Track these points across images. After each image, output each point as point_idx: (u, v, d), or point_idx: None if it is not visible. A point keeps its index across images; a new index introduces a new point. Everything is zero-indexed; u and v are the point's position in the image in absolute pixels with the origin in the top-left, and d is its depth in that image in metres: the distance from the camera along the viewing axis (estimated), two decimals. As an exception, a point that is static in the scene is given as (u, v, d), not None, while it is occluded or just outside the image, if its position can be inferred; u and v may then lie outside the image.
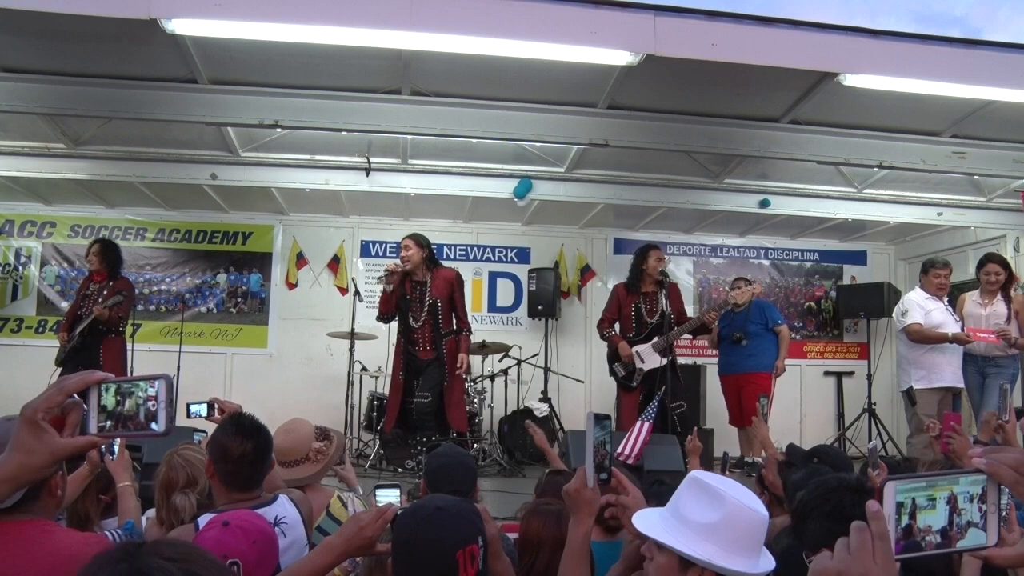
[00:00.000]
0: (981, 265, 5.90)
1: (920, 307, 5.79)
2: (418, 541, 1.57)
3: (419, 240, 5.45)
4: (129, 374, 5.73)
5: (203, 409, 2.76)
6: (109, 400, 1.14)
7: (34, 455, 1.09)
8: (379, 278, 5.74)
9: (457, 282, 5.52)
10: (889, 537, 0.87)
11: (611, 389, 7.04)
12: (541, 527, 2.18)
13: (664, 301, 5.71)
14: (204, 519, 2.05)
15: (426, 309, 5.39)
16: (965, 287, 6.69)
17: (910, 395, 5.70)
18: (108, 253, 6.10)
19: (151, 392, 1.13)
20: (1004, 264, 5.86)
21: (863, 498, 0.90)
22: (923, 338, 5.73)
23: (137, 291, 7.98)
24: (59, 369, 5.90)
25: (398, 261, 5.45)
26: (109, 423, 1.15)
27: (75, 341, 5.82)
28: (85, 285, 6.17)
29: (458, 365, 5.47)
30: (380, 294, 5.65)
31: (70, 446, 1.12)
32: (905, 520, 0.90)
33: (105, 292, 5.95)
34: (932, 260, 6.02)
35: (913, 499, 0.91)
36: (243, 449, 2.10)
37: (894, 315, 6.02)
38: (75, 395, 1.13)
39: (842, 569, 0.87)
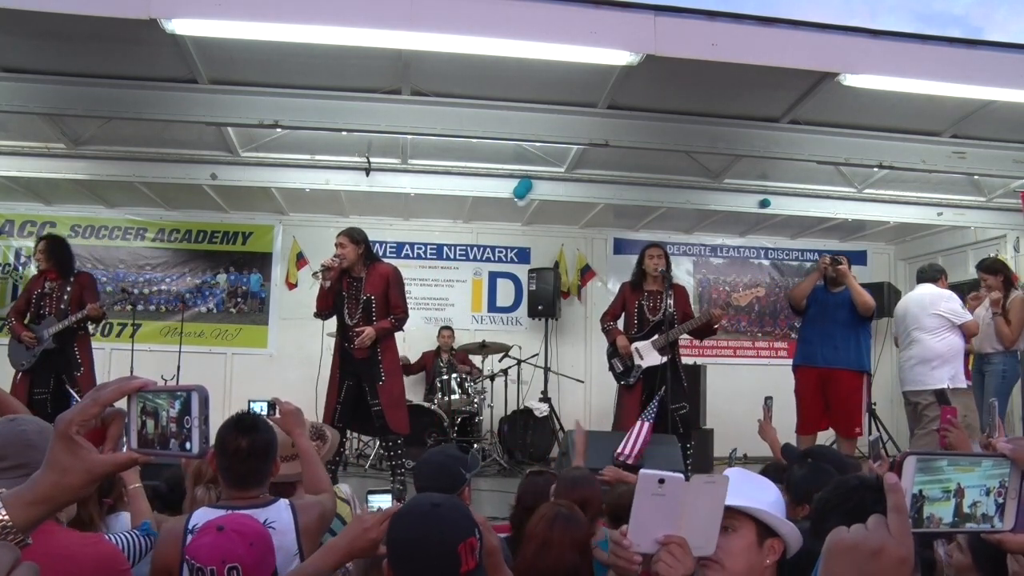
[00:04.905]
0: None
1: None
2: (420, 539, 1.57)
3: (354, 236, 5.26)
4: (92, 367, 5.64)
5: (263, 407, 2.73)
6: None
7: (68, 474, 0.96)
8: (314, 274, 5.60)
9: (393, 277, 5.26)
10: (906, 510, 0.87)
11: (611, 389, 7.02)
12: (563, 533, 2.13)
13: (669, 301, 5.70)
14: (199, 514, 2.06)
15: (360, 306, 5.19)
16: (964, 287, 6.71)
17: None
18: (55, 250, 5.78)
19: (173, 413, 1.00)
20: (990, 270, 5.88)
21: (884, 497, 0.90)
22: (978, 329, 5.70)
23: (137, 291, 8.01)
24: (19, 374, 5.66)
25: (335, 256, 5.27)
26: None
27: (49, 343, 5.56)
28: (39, 283, 5.80)
29: (358, 329, 5.13)
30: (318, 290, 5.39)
31: (108, 463, 0.98)
32: (912, 513, 0.90)
33: (69, 289, 5.68)
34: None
35: (921, 490, 0.91)
36: (236, 445, 2.11)
37: (943, 310, 5.61)
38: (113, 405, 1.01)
39: (858, 541, 0.86)
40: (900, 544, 0.85)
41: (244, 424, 2.17)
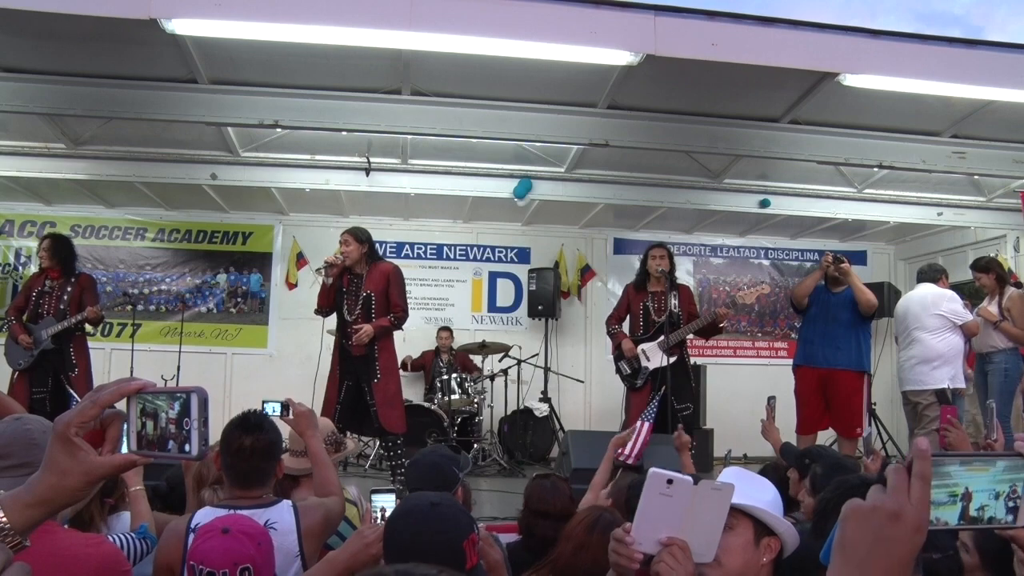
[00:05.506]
0: None
1: None
2: (425, 539, 1.57)
3: (358, 235, 5.28)
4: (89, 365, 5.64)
5: (276, 407, 2.73)
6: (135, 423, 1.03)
7: (67, 476, 0.96)
8: (317, 270, 5.62)
9: (394, 275, 5.28)
10: (931, 478, 0.85)
11: (611, 389, 7.03)
12: (601, 537, 2.12)
13: (673, 301, 5.70)
14: (201, 514, 2.06)
15: (360, 303, 5.20)
16: (964, 288, 6.72)
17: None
18: (59, 248, 5.73)
19: (172, 415, 0.99)
20: (983, 269, 5.92)
21: None
22: (979, 329, 5.71)
23: (137, 291, 8.01)
24: (16, 373, 5.62)
25: (338, 254, 5.27)
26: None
27: (47, 344, 5.52)
28: (39, 281, 5.74)
29: (356, 326, 5.13)
30: (320, 286, 5.41)
31: (107, 465, 0.98)
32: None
33: (70, 289, 5.65)
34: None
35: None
36: (240, 443, 2.14)
37: (944, 310, 5.66)
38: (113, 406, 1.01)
39: (877, 504, 0.85)
40: (919, 512, 0.84)
41: (249, 423, 2.19)
